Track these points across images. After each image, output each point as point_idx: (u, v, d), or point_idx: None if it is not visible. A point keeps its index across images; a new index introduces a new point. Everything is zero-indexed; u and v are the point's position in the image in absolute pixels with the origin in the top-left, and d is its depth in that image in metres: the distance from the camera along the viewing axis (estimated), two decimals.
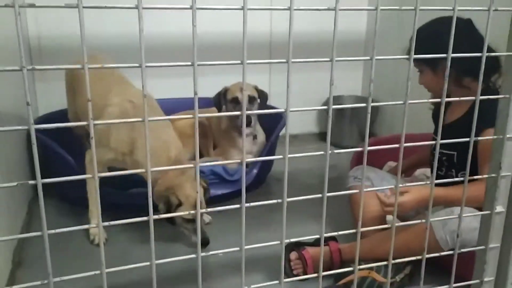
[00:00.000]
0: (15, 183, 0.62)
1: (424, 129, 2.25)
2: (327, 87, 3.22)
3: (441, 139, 1.85)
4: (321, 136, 3.77)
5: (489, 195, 0.96)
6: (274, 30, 3.37)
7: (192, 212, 0.74)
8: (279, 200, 0.76)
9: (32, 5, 0.61)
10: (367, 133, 0.86)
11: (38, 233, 0.63)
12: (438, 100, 0.88)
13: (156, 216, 0.70)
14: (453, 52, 0.82)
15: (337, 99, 3.62)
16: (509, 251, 0.96)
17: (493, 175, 0.93)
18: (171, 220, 2.02)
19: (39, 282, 0.69)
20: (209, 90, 2.83)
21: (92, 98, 1.93)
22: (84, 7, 0.59)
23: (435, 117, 2.07)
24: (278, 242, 0.79)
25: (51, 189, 2.50)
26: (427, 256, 1.24)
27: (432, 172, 1.07)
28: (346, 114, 3.45)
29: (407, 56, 0.81)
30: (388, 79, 3.05)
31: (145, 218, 0.69)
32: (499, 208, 0.95)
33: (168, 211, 1.97)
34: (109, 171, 2.28)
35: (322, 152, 0.81)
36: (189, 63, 0.69)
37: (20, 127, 0.60)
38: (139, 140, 2.01)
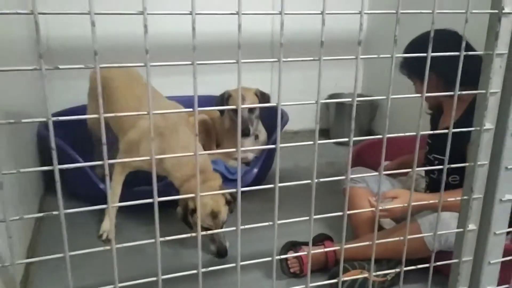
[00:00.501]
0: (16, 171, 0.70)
1: (422, 131, 2.33)
2: (329, 84, 3.34)
3: (434, 145, 1.94)
4: (322, 132, 3.83)
5: (462, 214, 1.09)
6: (276, 28, 3.44)
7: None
8: (272, 185, 0.83)
9: (50, 13, 0.69)
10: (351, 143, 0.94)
11: (55, 212, 0.71)
12: (418, 95, 0.95)
13: (160, 199, 0.78)
14: (441, 63, 0.89)
15: (338, 97, 3.69)
16: (481, 264, 1.09)
17: (465, 197, 1.05)
18: (189, 223, 2.07)
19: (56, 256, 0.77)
20: (213, 88, 2.91)
21: (125, 108, 2.02)
22: (96, 14, 0.67)
23: (431, 122, 2.15)
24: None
25: (63, 188, 2.58)
26: (416, 257, 1.33)
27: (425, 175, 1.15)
28: (346, 111, 3.52)
29: (389, 56, 0.88)
30: (387, 80, 3.11)
31: (150, 200, 0.76)
32: (471, 226, 1.07)
33: (185, 215, 2.05)
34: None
35: (311, 142, 0.87)
36: (189, 62, 0.77)
37: (40, 119, 0.68)
38: (167, 151, 2.07)
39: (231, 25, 3.01)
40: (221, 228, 2.05)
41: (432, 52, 0.91)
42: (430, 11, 0.86)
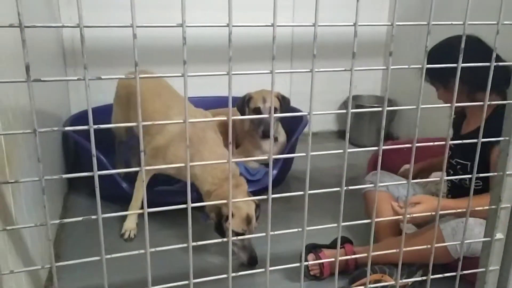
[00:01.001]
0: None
1: (442, 134, 2.31)
2: (347, 87, 3.31)
3: (457, 149, 1.93)
4: (340, 134, 3.84)
5: (489, 223, 1.09)
6: (296, 30, 3.45)
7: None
8: (301, 192, 0.85)
9: (95, 26, 0.71)
10: (381, 142, 0.95)
11: (94, 216, 0.74)
12: (448, 105, 0.95)
13: (194, 204, 0.80)
14: (465, 70, 0.89)
15: (356, 99, 3.69)
16: (508, 273, 1.09)
17: (493, 206, 1.06)
18: (221, 231, 2.04)
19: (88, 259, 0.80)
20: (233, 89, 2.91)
21: (153, 114, 2.05)
22: (138, 26, 0.69)
23: (454, 125, 2.13)
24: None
25: (84, 187, 2.65)
26: (437, 263, 1.32)
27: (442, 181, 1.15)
28: (365, 114, 3.52)
29: (419, 66, 0.89)
30: (407, 81, 3.09)
31: (183, 206, 0.78)
32: (499, 235, 1.08)
33: (219, 221, 2.02)
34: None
35: (341, 151, 0.88)
36: (180, 74, 0.78)
37: (82, 127, 0.70)
38: (196, 157, 2.09)
39: (259, 28, 3.06)
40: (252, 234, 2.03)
41: (455, 59, 0.91)
42: (461, 23, 0.86)
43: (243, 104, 2.88)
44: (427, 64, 0.89)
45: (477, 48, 1.75)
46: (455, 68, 0.91)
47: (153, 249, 0.79)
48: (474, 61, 0.91)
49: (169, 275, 1.93)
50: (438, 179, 1.05)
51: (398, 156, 2.24)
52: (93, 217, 0.74)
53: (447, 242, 1.73)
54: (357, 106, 3.62)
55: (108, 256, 0.76)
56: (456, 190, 2.02)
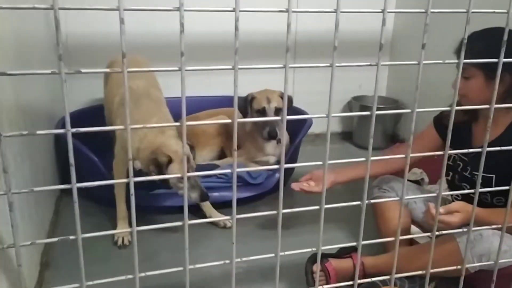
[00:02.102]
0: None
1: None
2: (352, 87, 3.19)
3: (474, 160, 1.76)
4: (344, 135, 3.73)
5: None
6: (299, 29, 3.34)
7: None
8: (317, 207, 0.73)
9: (70, 9, 0.60)
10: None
11: (73, 237, 0.62)
12: (448, 108, 0.83)
13: (192, 221, 0.68)
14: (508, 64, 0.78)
15: (361, 99, 3.57)
16: None
17: None
18: (166, 183, 2.00)
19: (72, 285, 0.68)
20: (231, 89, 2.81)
21: (110, 89, 1.86)
22: (125, 9, 0.57)
23: (456, 134, 1.99)
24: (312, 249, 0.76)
25: (77, 189, 2.52)
26: (453, 276, 1.20)
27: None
28: (370, 115, 3.39)
29: (416, 63, 0.77)
30: (414, 82, 2.99)
31: (179, 223, 0.66)
32: None
33: (160, 172, 1.93)
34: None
35: (363, 159, 0.77)
36: (177, 68, 0.66)
37: (58, 130, 0.58)
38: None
39: (265, 25, 2.96)
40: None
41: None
42: (465, 11, 0.74)
43: (246, 104, 2.75)
44: (469, 50, 0.78)
45: None
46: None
47: (143, 274, 0.66)
48: None
49: (167, 284, 1.81)
50: (470, 190, 0.92)
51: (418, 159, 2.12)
52: (71, 237, 0.62)
53: (464, 255, 1.61)
54: (362, 107, 3.50)
55: (90, 283, 0.64)
56: (467, 202, 1.88)
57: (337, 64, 0.69)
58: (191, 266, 0.70)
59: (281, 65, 0.65)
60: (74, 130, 0.59)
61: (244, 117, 2.83)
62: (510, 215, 1.34)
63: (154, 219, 2.29)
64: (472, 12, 0.72)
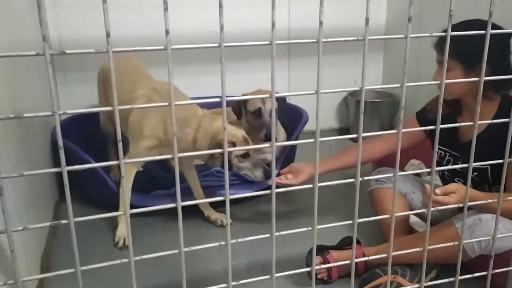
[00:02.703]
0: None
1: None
2: (348, 82, 3.19)
3: (465, 154, 1.77)
4: (341, 131, 3.74)
5: None
6: (292, 26, 3.35)
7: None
8: (311, 185, 0.73)
9: None
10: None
11: (65, 221, 0.61)
12: (437, 82, 0.83)
13: (184, 203, 0.67)
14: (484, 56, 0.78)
15: (357, 94, 3.57)
16: None
17: None
18: (229, 163, 2.04)
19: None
20: (230, 89, 2.80)
21: (121, 94, 1.94)
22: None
23: (446, 122, 1.96)
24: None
25: (76, 195, 2.52)
26: (453, 262, 1.20)
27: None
28: (367, 109, 3.40)
29: (403, 36, 0.77)
30: (411, 75, 2.99)
31: (173, 205, 0.66)
32: None
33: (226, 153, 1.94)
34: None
35: (355, 135, 0.76)
36: (162, 47, 0.65)
37: (45, 113, 0.58)
38: (168, 119, 2.05)
39: (255, 24, 2.96)
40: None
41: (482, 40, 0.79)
42: None
43: (240, 106, 2.73)
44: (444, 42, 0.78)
45: (503, 38, 1.60)
46: (482, 48, 0.79)
47: (138, 258, 0.66)
48: (496, 51, 0.80)
49: (166, 283, 1.81)
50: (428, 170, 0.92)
51: (402, 151, 2.10)
52: (64, 221, 0.61)
53: (464, 240, 1.60)
54: (358, 102, 3.50)
55: (84, 268, 0.64)
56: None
57: (323, 40, 0.69)
58: (186, 249, 0.69)
59: (268, 42, 0.65)
60: (61, 112, 0.59)
61: (239, 119, 2.82)
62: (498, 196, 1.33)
63: (152, 221, 2.28)
64: None
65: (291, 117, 2.90)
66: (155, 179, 2.63)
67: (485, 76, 1.55)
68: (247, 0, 3.11)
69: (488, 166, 1.72)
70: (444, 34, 0.74)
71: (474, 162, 0.91)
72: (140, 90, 2.20)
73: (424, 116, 1.94)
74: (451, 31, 0.77)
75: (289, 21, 3.34)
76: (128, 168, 2.13)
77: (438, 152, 1.88)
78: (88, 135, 2.63)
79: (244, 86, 2.75)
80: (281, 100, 2.75)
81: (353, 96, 3.54)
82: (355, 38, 0.71)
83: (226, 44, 0.67)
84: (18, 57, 0.56)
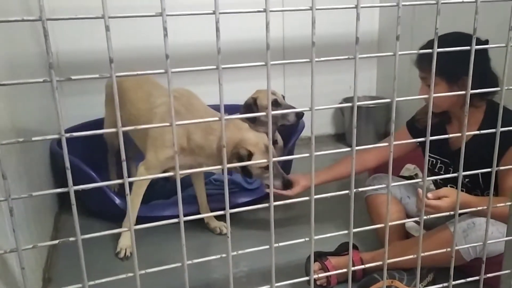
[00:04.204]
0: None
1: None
2: (343, 88, 3.23)
3: (455, 163, 1.81)
4: (337, 137, 3.77)
5: (510, 223, 1.00)
6: (287, 35, 3.39)
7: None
8: (307, 198, 0.76)
9: (59, 19, 0.63)
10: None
11: (73, 239, 0.64)
12: (425, 96, 0.87)
13: (186, 218, 0.70)
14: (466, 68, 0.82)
15: (351, 100, 3.61)
16: None
17: (510, 203, 0.97)
18: (248, 172, 2.05)
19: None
20: (231, 96, 2.85)
21: (137, 103, 1.99)
22: (110, 17, 0.61)
23: (437, 133, 1.97)
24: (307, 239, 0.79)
25: (77, 204, 2.53)
26: (449, 266, 1.23)
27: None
28: (362, 114, 3.44)
29: (392, 54, 0.81)
30: (402, 80, 3.03)
31: (175, 220, 0.69)
32: None
33: (244, 165, 1.93)
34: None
35: (348, 149, 0.79)
36: (163, 71, 0.69)
37: (53, 136, 0.61)
38: (191, 127, 2.05)
39: (248, 33, 2.99)
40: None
41: (465, 55, 0.82)
42: (474, 0, 0.78)
43: (251, 107, 2.70)
44: (426, 59, 0.82)
45: (485, 51, 1.63)
46: (464, 62, 0.83)
47: (143, 271, 0.69)
48: (481, 64, 0.84)
49: None
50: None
51: (395, 159, 2.14)
52: (71, 239, 0.64)
53: (459, 244, 1.63)
54: (353, 108, 3.54)
55: (92, 283, 0.66)
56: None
57: (316, 59, 0.72)
58: (189, 262, 0.72)
59: (263, 63, 0.68)
60: (68, 135, 0.62)
61: (253, 122, 2.82)
62: (496, 202, 1.36)
63: (153, 230, 2.30)
64: (442, 3, 0.76)
65: (288, 125, 2.92)
66: (154, 188, 2.65)
67: (445, 84, 1.62)
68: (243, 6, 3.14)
69: (479, 173, 1.76)
70: (430, 50, 0.77)
71: (465, 168, 0.94)
72: (159, 98, 2.20)
73: (414, 126, 1.99)
74: (427, 48, 0.81)
75: (283, 29, 3.38)
76: (139, 186, 2.14)
77: (429, 160, 1.93)
78: (91, 145, 2.63)
79: (240, 94, 2.79)
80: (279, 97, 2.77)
81: (347, 102, 3.58)
82: (346, 57, 0.74)
83: (223, 66, 0.70)
84: (16, 62, 0.58)
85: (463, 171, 1.76)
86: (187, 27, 3.02)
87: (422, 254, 0.95)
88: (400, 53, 0.76)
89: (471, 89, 1.64)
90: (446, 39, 1.63)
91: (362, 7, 0.72)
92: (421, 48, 1.60)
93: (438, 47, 1.61)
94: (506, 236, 1.00)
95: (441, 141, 1.81)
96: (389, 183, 0.86)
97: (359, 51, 0.73)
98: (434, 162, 1.94)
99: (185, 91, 2.24)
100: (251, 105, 2.67)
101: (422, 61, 1.68)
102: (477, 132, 0.92)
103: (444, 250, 1.05)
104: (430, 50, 0.77)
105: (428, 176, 1.95)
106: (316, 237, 0.77)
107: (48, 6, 2.78)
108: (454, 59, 1.43)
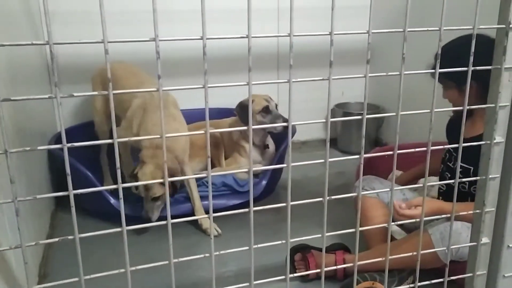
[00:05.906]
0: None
1: (439, 137, 2.29)
2: (335, 93, 3.29)
3: (462, 153, 1.89)
4: (330, 142, 3.84)
5: (475, 228, 1.08)
6: (281, 41, 3.46)
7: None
8: (284, 204, 0.84)
9: (65, 43, 0.70)
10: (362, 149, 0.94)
11: (71, 237, 0.72)
12: (427, 111, 0.95)
13: (174, 220, 0.78)
14: (479, 69, 0.90)
15: (344, 106, 3.70)
16: (495, 277, 1.08)
17: (477, 211, 1.05)
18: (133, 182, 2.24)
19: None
20: (221, 99, 2.92)
21: (129, 87, 2.41)
22: (109, 42, 0.68)
23: (450, 129, 2.08)
24: (283, 241, 0.87)
25: (69, 200, 2.60)
26: (428, 268, 1.31)
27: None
28: (353, 121, 3.51)
29: (432, 71, 0.90)
30: (395, 87, 3.11)
31: (163, 222, 0.77)
32: (485, 240, 1.07)
33: (135, 180, 2.28)
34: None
35: (322, 160, 0.88)
36: (155, 89, 0.77)
37: (56, 146, 0.69)
38: (143, 124, 2.37)
39: (237, 40, 3.05)
40: (152, 199, 2.33)
41: (470, 57, 0.91)
42: (437, 29, 0.87)
43: (244, 110, 2.82)
44: (442, 63, 0.91)
45: (490, 48, 1.71)
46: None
47: (133, 268, 0.77)
48: (488, 60, 0.93)
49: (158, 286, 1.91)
50: (436, 183, 1.03)
51: (386, 161, 2.23)
52: (70, 237, 0.72)
53: (436, 247, 1.72)
54: (345, 113, 3.63)
55: (87, 277, 0.74)
56: (450, 193, 2.00)
57: (293, 80, 0.80)
58: (175, 260, 0.80)
59: (245, 83, 0.76)
60: (69, 145, 0.70)
61: (245, 124, 2.91)
62: (467, 206, 1.45)
63: (151, 229, 2.38)
64: (409, 31, 0.84)
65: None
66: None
67: (478, 88, 1.71)
68: (234, 16, 3.22)
69: (472, 167, 1.84)
70: (433, 71, 0.86)
71: (469, 160, 0.99)
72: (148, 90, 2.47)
73: (450, 127, 2.09)
74: (442, 50, 0.91)
75: (278, 33, 3.44)
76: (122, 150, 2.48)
77: (446, 149, 2.03)
78: (87, 146, 2.70)
79: (230, 98, 2.87)
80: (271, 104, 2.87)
81: (340, 108, 3.65)
82: (320, 78, 0.82)
83: (209, 85, 0.78)
84: (16, 64, 0.64)
85: (465, 164, 1.85)
86: (177, 33, 3.06)
87: (392, 257, 1.02)
88: (405, 72, 0.85)
89: (483, 88, 1.76)
90: (457, 43, 1.71)
91: (355, 25, 0.80)
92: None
93: (449, 52, 1.68)
94: (470, 242, 1.08)
95: (457, 133, 1.96)
96: (392, 185, 0.94)
97: (347, 63, 0.82)
98: (447, 151, 2.03)
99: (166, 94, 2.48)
100: (247, 106, 2.76)
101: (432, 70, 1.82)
102: (472, 143, 1.01)
103: (412, 253, 1.12)
104: (432, 71, 0.85)
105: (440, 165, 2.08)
106: (292, 240, 0.85)
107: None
108: (462, 63, 1.51)
